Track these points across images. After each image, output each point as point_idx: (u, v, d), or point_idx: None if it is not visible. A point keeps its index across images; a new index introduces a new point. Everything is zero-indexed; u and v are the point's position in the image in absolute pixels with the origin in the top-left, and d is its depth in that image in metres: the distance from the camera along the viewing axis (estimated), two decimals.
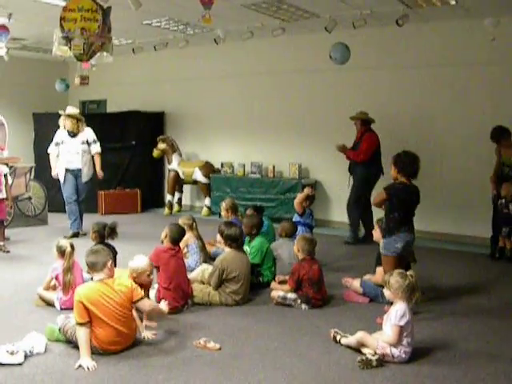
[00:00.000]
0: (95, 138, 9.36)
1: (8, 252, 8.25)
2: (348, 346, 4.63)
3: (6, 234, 8.72)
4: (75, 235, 9.08)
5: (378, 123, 8.97)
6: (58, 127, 9.30)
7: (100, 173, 9.42)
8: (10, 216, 9.80)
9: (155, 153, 11.92)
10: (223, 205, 7.68)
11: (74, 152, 9.17)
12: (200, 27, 9.90)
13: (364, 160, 8.76)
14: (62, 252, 5.59)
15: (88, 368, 4.20)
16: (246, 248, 6.53)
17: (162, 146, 11.81)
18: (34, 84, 13.74)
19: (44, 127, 12.32)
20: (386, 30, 9.38)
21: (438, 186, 9.19)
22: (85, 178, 9.32)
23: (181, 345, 4.75)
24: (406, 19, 8.11)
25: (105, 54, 7.04)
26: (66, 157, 9.21)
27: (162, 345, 4.71)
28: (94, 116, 13.62)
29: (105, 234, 6.22)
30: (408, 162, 5.57)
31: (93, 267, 4.59)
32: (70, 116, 9.14)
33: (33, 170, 10.59)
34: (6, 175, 8.38)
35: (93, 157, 9.43)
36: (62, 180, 9.31)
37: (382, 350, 4.37)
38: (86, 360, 4.26)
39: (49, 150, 9.46)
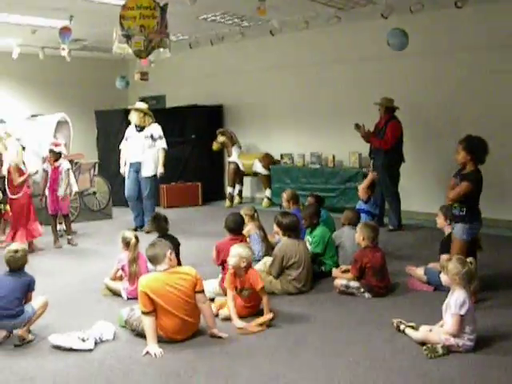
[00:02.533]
0: (161, 134, 9.39)
1: (76, 245, 8.53)
2: None
3: (73, 227, 9.00)
4: (137, 229, 9.23)
5: (450, 111, 8.77)
6: (120, 124, 9.48)
7: (161, 169, 9.32)
8: (76, 211, 10.12)
9: (215, 146, 12.04)
10: (284, 196, 7.66)
11: (136, 146, 9.26)
12: (255, 19, 9.92)
13: (389, 148, 8.79)
14: (127, 243, 5.77)
15: (155, 355, 4.30)
16: (307, 238, 6.54)
17: (221, 138, 11.93)
18: (96, 82, 14.07)
19: (106, 124, 12.65)
20: (444, 13, 9.16)
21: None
22: (146, 172, 9.32)
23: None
24: (465, 0, 7.89)
25: (161, 50, 7.18)
26: (130, 151, 9.35)
27: (228, 332, 4.75)
28: (154, 111, 13.78)
29: (160, 226, 6.33)
30: (483, 149, 5.43)
31: (154, 260, 4.69)
32: (137, 110, 9.34)
33: (96, 165, 10.86)
34: (68, 171, 8.60)
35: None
36: (126, 175, 9.43)
37: (446, 341, 4.29)
38: (152, 347, 4.36)
39: (120, 146, 9.64)
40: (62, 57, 9.93)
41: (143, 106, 9.55)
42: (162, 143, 9.37)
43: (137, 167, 9.33)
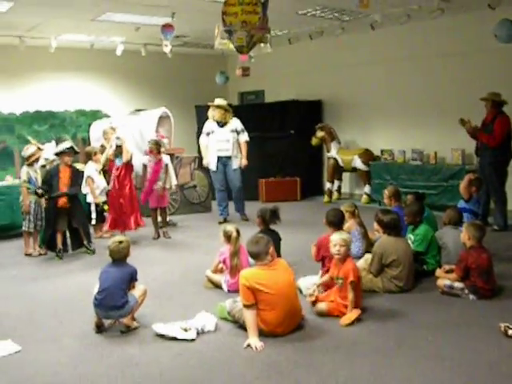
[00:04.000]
0: (243, 127, 9.76)
1: (169, 238, 8.68)
2: None
3: (174, 220, 9.20)
4: (225, 221, 9.48)
5: None
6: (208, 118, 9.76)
7: (245, 161, 9.69)
8: (176, 203, 10.39)
9: (314, 141, 12.01)
10: (386, 192, 7.52)
11: (224, 140, 9.58)
12: (356, 13, 9.77)
13: (497, 145, 8.38)
14: (228, 237, 5.84)
15: (256, 348, 4.34)
16: (409, 236, 6.41)
17: (320, 134, 11.88)
18: (195, 78, 14.35)
19: (206, 119, 12.85)
20: None
21: None
22: (235, 165, 9.68)
23: (344, 329, 4.76)
24: None
25: (262, 45, 7.23)
26: (216, 145, 9.62)
27: (327, 328, 4.74)
28: (253, 106, 13.98)
29: (271, 220, 6.38)
30: None
31: (256, 257, 4.72)
32: (218, 107, 9.60)
33: (197, 159, 11.09)
34: (167, 165, 8.79)
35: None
36: (213, 168, 9.71)
37: None
38: (254, 340, 4.40)
39: (200, 141, 9.96)
40: (164, 53, 10.20)
41: (223, 102, 9.79)
42: (245, 136, 9.75)
43: (226, 161, 9.66)
